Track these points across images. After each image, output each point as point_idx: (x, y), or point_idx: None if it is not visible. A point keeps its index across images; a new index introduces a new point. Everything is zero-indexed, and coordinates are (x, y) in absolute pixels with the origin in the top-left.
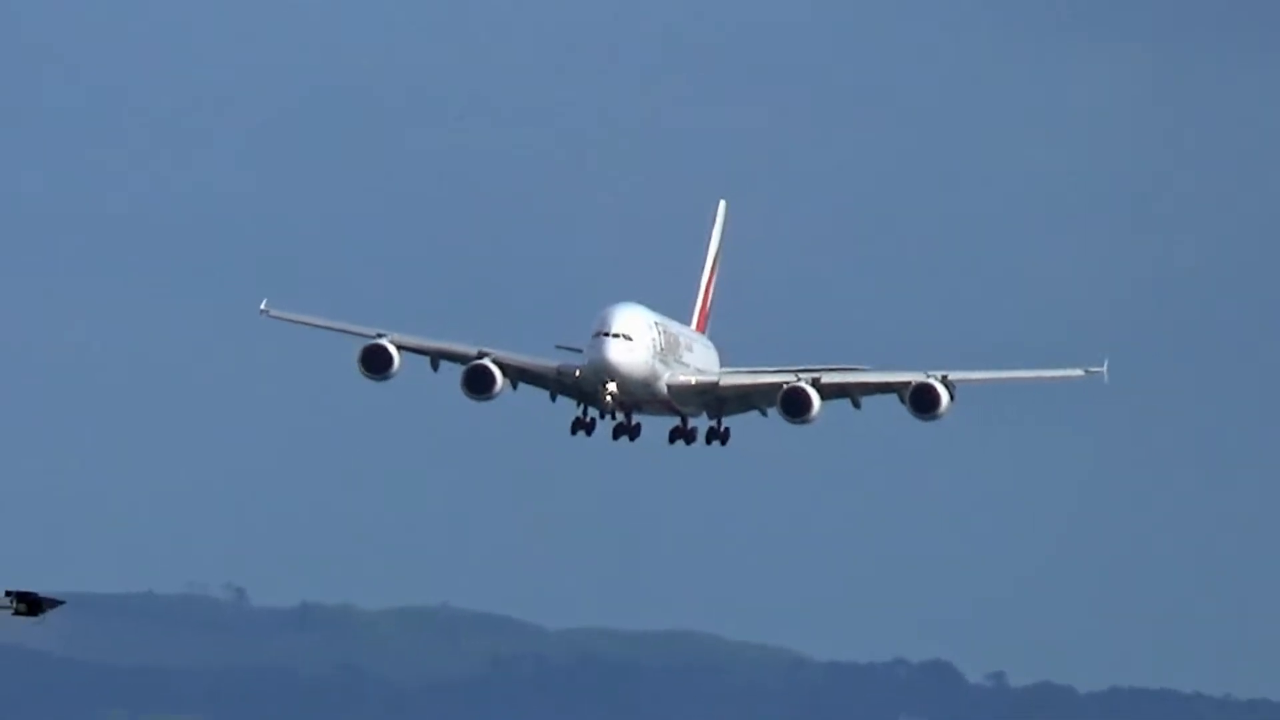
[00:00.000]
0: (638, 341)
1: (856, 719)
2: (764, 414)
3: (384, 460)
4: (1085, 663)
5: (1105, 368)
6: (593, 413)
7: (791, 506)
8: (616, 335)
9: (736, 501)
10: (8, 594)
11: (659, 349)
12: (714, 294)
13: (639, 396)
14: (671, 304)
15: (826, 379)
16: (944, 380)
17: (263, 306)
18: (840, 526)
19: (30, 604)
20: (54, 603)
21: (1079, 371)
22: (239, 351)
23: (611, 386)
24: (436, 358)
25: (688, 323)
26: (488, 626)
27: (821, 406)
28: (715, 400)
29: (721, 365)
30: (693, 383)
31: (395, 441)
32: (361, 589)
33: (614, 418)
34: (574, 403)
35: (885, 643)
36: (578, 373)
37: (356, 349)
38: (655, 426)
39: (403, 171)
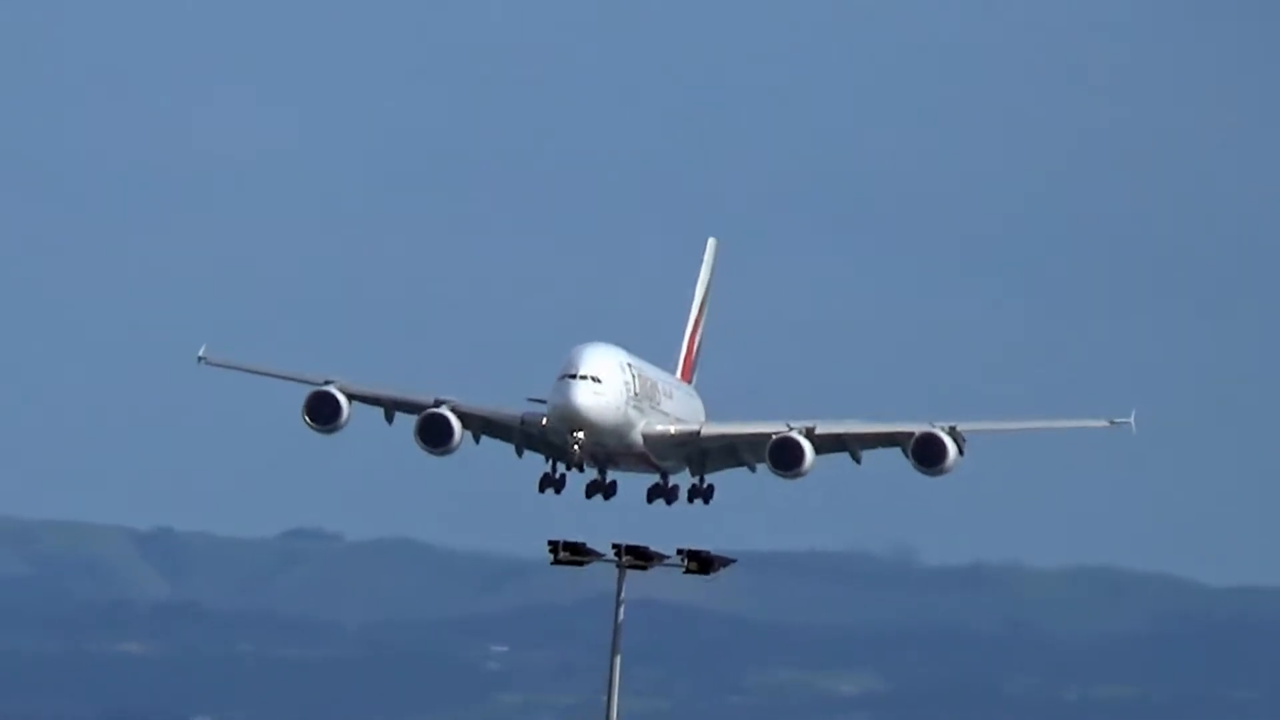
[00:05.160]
0: (607, 385)
1: None
2: (752, 469)
3: None
4: None
5: (1133, 419)
6: (562, 468)
7: None
8: (584, 377)
9: None
10: (679, 552)
11: (633, 394)
12: (701, 341)
13: (611, 448)
14: (655, 352)
15: (821, 429)
16: (951, 431)
17: (201, 354)
18: None
19: (701, 562)
20: (725, 561)
21: (1103, 422)
22: None
23: (579, 435)
24: (391, 408)
25: (672, 373)
26: (1152, 584)
27: (815, 459)
28: (697, 453)
29: (706, 419)
30: (671, 432)
31: None
32: (1030, 548)
33: (582, 471)
34: (542, 458)
35: None
36: (544, 421)
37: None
38: (632, 484)
39: (359, 208)
